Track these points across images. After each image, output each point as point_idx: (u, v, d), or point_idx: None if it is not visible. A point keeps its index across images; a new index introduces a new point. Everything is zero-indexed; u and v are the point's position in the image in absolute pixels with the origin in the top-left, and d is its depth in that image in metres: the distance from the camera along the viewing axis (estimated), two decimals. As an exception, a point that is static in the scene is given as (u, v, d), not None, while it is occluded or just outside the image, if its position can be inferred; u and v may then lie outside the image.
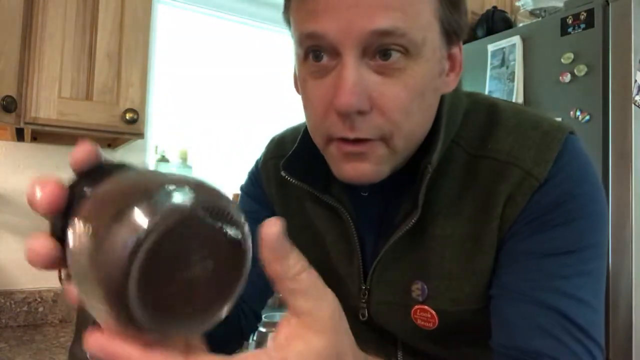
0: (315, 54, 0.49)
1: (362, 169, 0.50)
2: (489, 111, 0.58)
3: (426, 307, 0.57)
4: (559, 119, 0.57)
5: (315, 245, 0.66)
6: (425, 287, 0.56)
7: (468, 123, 0.57)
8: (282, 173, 0.61)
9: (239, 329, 0.71)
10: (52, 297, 1.42)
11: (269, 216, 0.82)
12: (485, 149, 0.55)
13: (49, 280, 1.42)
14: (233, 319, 0.65)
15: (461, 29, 0.52)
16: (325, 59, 0.49)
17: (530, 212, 0.51)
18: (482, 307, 0.55)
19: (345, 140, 0.49)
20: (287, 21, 0.54)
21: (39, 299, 1.41)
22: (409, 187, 0.56)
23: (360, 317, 0.62)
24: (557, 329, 0.48)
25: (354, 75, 0.46)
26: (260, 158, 0.76)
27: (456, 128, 0.57)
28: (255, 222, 0.83)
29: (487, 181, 0.53)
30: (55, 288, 1.41)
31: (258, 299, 0.73)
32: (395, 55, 0.47)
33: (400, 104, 0.48)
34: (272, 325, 1.38)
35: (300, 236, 0.68)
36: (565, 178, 0.51)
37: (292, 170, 0.61)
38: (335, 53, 0.48)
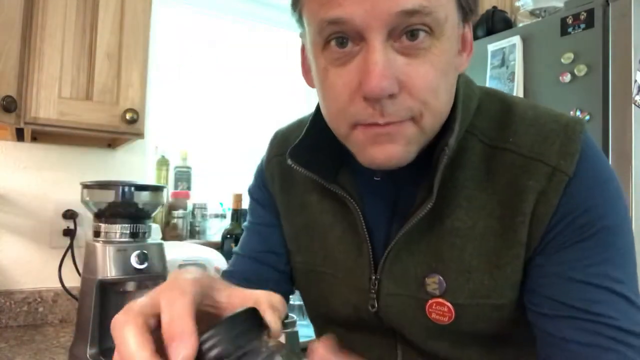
0: (338, 41, 0.48)
1: (391, 150, 0.50)
2: (503, 102, 0.57)
3: (443, 300, 0.56)
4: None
5: (318, 242, 0.66)
6: (443, 280, 0.56)
7: (482, 113, 0.57)
8: (289, 161, 0.61)
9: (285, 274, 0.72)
10: (52, 297, 1.42)
11: (274, 219, 0.83)
12: (505, 141, 0.54)
13: (49, 280, 1.42)
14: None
15: (476, 5, 0.52)
16: (349, 45, 0.48)
17: (565, 210, 0.51)
18: (501, 304, 0.54)
19: (374, 124, 0.49)
20: (298, 13, 0.53)
21: (39, 299, 1.40)
22: (423, 175, 0.55)
23: (370, 308, 0.61)
24: (608, 355, 0.48)
25: (383, 59, 0.46)
26: (265, 156, 0.76)
27: (470, 117, 0.56)
28: (264, 226, 0.83)
29: (510, 175, 0.53)
30: (55, 288, 1.41)
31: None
32: (421, 35, 0.47)
33: (429, 84, 0.48)
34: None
35: (302, 235, 0.68)
36: (593, 173, 0.51)
37: (298, 159, 0.61)
38: (360, 38, 0.47)
